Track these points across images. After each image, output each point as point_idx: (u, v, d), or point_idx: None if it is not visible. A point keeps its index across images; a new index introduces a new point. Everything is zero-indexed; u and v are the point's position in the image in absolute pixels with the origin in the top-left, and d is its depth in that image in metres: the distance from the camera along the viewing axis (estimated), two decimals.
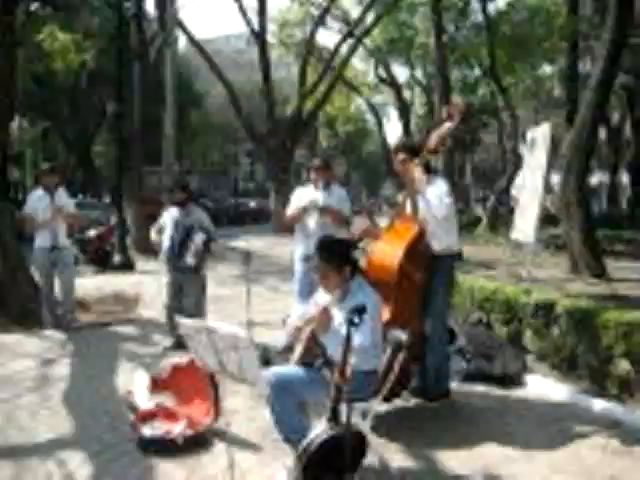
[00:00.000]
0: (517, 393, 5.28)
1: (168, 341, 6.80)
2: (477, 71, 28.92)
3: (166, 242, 6.65)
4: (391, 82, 32.90)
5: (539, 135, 8.96)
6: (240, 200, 37.99)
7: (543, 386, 5.29)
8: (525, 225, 8.70)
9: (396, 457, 4.05)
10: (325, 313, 3.53)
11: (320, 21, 24.90)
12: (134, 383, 5.02)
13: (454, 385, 5.20)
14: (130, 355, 6.62)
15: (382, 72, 32.63)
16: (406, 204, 4.70)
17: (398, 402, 4.78)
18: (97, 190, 32.73)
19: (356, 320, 2.94)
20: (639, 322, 4.73)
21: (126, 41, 14.94)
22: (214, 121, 42.36)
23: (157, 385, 4.87)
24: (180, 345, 6.67)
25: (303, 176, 38.86)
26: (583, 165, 11.37)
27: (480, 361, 5.50)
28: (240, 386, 4.79)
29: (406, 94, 35.22)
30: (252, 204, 37.03)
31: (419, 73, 33.90)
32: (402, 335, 3.73)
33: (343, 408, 3.21)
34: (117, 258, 13.28)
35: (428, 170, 4.67)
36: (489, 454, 4.12)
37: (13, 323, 7.82)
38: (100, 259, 13.06)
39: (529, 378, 5.45)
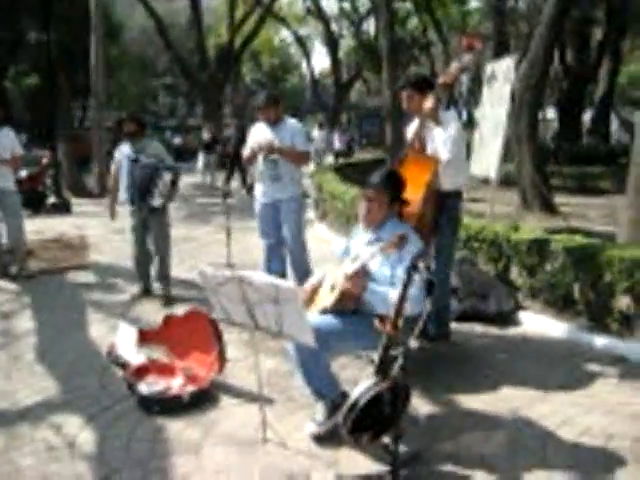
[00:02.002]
0: (515, 331, 5.22)
1: (135, 288, 6.39)
2: (408, 4, 28.51)
3: (124, 182, 6.11)
4: (319, 14, 32.10)
5: (500, 69, 8.78)
6: (164, 137, 36.52)
7: (539, 323, 5.24)
8: (486, 160, 8.60)
9: (416, 402, 3.88)
10: (359, 277, 3.27)
11: None
12: (117, 336, 4.66)
13: (451, 325, 5.08)
14: (96, 304, 6.18)
15: (310, 4, 31.77)
16: (415, 140, 4.42)
17: None
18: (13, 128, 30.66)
19: (421, 266, 2.69)
20: None
21: None
22: (131, 54, 40.32)
23: (146, 338, 4.54)
24: (147, 292, 6.33)
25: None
26: (534, 100, 11.39)
27: (474, 300, 5.38)
28: (230, 334, 4.56)
29: (334, 27, 34.52)
30: (176, 140, 35.71)
31: (347, 5, 33.16)
32: (430, 276, 3.51)
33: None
34: (51, 200, 12.51)
35: (445, 104, 4.41)
36: (511, 395, 4.02)
37: None
38: (33, 201, 12.24)
39: (523, 315, 5.39)
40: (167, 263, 6.30)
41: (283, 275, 5.84)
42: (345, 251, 3.80)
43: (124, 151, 6.21)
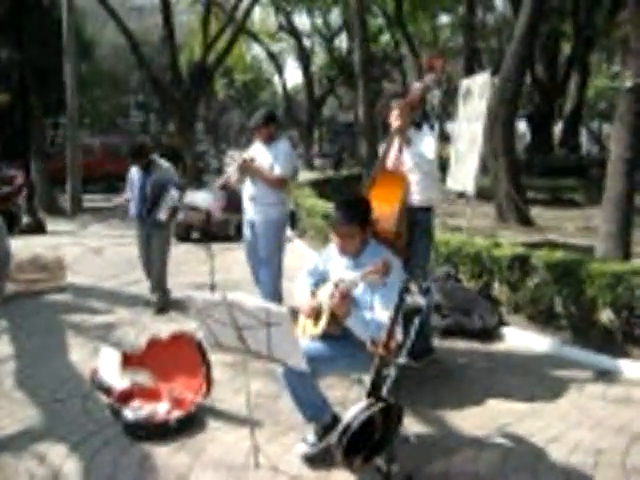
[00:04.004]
0: (499, 347, 5.24)
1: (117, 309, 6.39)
2: (379, 20, 28.79)
3: (136, 198, 6.43)
4: (291, 30, 32.24)
5: (475, 85, 8.88)
6: None
7: (522, 338, 5.27)
8: (463, 175, 8.68)
9: (405, 421, 3.86)
10: (348, 298, 3.21)
11: None
12: (100, 360, 4.57)
13: (434, 342, 5.09)
14: (76, 327, 6.06)
15: (282, 20, 31.92)
16: (387, 156, 4.44)
17: None
18: None
19: (413, 288, 2.68)
20: (622, 273, 4.76)
21: None
22: (103, 71, 40.08)
23: (130, 362, 4.44)
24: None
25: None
26: (509, 114, 11.54)
27: (458, 316, 5.40)
28: (214, 356, 4.50)
29: (306, 43, 34.71)
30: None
31: (319, 22, 33.33)
32: (420, 300, 3.51)
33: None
34: (25, 220, 12.31)
35: (422, 121, 4.45)
36: (498, 411, 4.03)
37: None
38: (7, 221, 12.00)
39: (506, 330, 5.42)
40: (164, 275, 6.54)
41: (273, 294, 5.81)
42: (315, 272, 3.75)
43: (136, 172, 6.49)
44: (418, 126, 4.60)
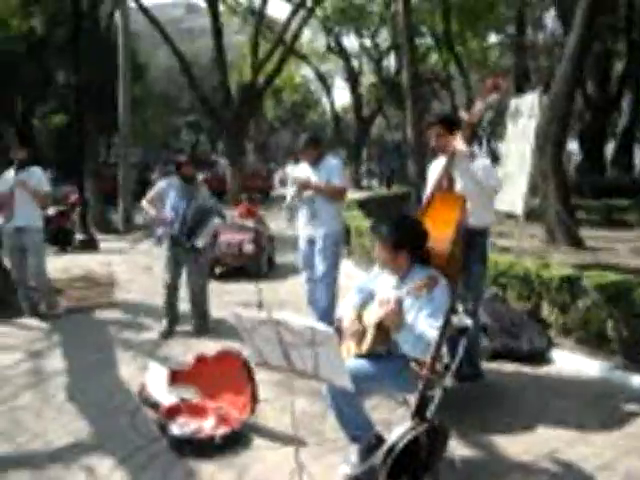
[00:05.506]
0: (548, 370, 5.14)
1: (161, 325, 6.40)
2: (428, 40, 28.79)
3: (173, 216, 6.20)
4: (340, 51, 32.51)
5: (524, 104, 8.80)
6: None
7: (572, 362, 5.15)
8: (512, 194, 8.58)
9: (451, 445, 3.81)
10: (399, 308, 3.20)
11: None
12: (148, 375, 4.65)
13: (482, 364, 5.01)
14: (125, 343, 6.18)
15: (331, 41, 32.21)
16: (443, 179, 4.42)
17: None
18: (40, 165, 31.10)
19: (459, 308, 2.67)
20: None
21: (77, 5, 14.01)
22: (155, 92, 41.06)
23: (177, 378, 4.51)
24: (171, 332, 6.33)
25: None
26: (559, 134, 11.37)
27: (506, 338, 5.32)
28: (261, 374, 4.51)
29: (354, 63, 34.92)
30: (200, 176, 36.04)
31: (368, 42, 33.51)
32: (467, 320, 3.48)
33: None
34: (79, 237, 12.66)
35: (470, 143, 4.42)
36: (547, 437, 3.94)
37: None
38: (61, 238, 12.40)
39: (555, 354, 5.31)
40: (206, 301, 6.44)
41: (327, 312, 5.86)
42: (364, 290, 3.75)
43: (173, 185, 6.36)
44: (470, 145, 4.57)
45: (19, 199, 6.91)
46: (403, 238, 3.40)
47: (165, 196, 6.37)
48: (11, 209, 6.93)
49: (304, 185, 5.73)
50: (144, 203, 6.54)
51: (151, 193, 6.52)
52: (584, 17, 10.58)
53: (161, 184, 6.51)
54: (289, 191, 5.98)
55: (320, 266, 5.75)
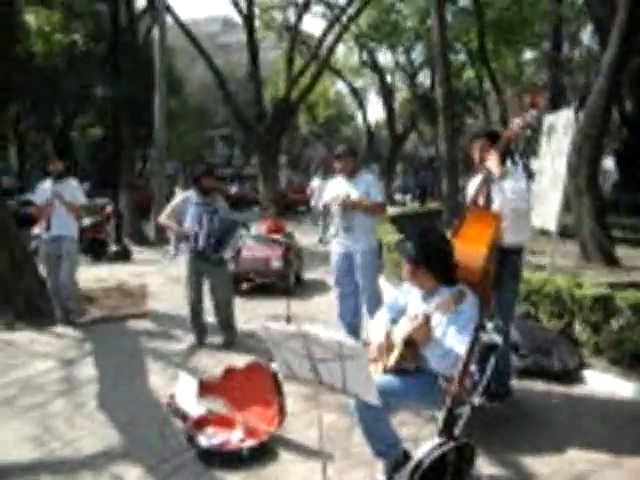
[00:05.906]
0: (579, 390, 5.06)
1: (191, 337, 6.44)
2: (462, 56, 28.74)
3: (197, 231, 6.08)
4: (374, 66, 32.62)
5: (559, 121, 8.73)
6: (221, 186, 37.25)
7: (604, 382, 5.06)
8: (545, 211, 8.49)
9: (479, 463, 3.77)
10: (427, 322, 3.20)
11: (305, 6, 24.45)
12: (177, 386, 4.69)
13: (512, 382, 4.96)
14: (155, 353, 6.25)
15: (365, 56, 32.35)
16: (479, 195, 4.39)
17: None
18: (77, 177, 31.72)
19: (489, 325, 2.66)
20: None
21: (116, 21, 14.33)
22: (190, 106, 41.62)
23: (206, 389, 4.54)
24: (201, 344, 6.37)
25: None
26: (594, 151, 11.22)
27: (537, 356, 5.25)
28: (289, 387, 4.52)
29: (388, 79, 35.01)
30: (233, 190, 36.40)
31: (402, 58, 33.58)
32: (496, 337, 3.45)
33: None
34: (113, 248, 12.86)
35: (506, 159, 4.39)
36: (577, 459, 3.87)
37: (18, 319, 7.40)
38: (95, 249, 12.62)
39: (587, 373, 5.22)
40: (232, 314, 6.45)
41: (356, 328, 5.87)
42: (395, 306, 3.74)
43: (190, 198, 6.29)
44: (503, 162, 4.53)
45: (56, 210, 7.09)
46: (427, 254, 3.39)
47: (183, 211, 6.26)
48: (49, 219, 7.10)
49: (347, 203, 5.66)
50: (162, 221, 6.51)
51: (168, 209, 6.46)
52: (620, 33, 10.47)
53: (176, 200, 6.50)
54: (318, 206, 6.01)
55: (363, 280, 5.78)
